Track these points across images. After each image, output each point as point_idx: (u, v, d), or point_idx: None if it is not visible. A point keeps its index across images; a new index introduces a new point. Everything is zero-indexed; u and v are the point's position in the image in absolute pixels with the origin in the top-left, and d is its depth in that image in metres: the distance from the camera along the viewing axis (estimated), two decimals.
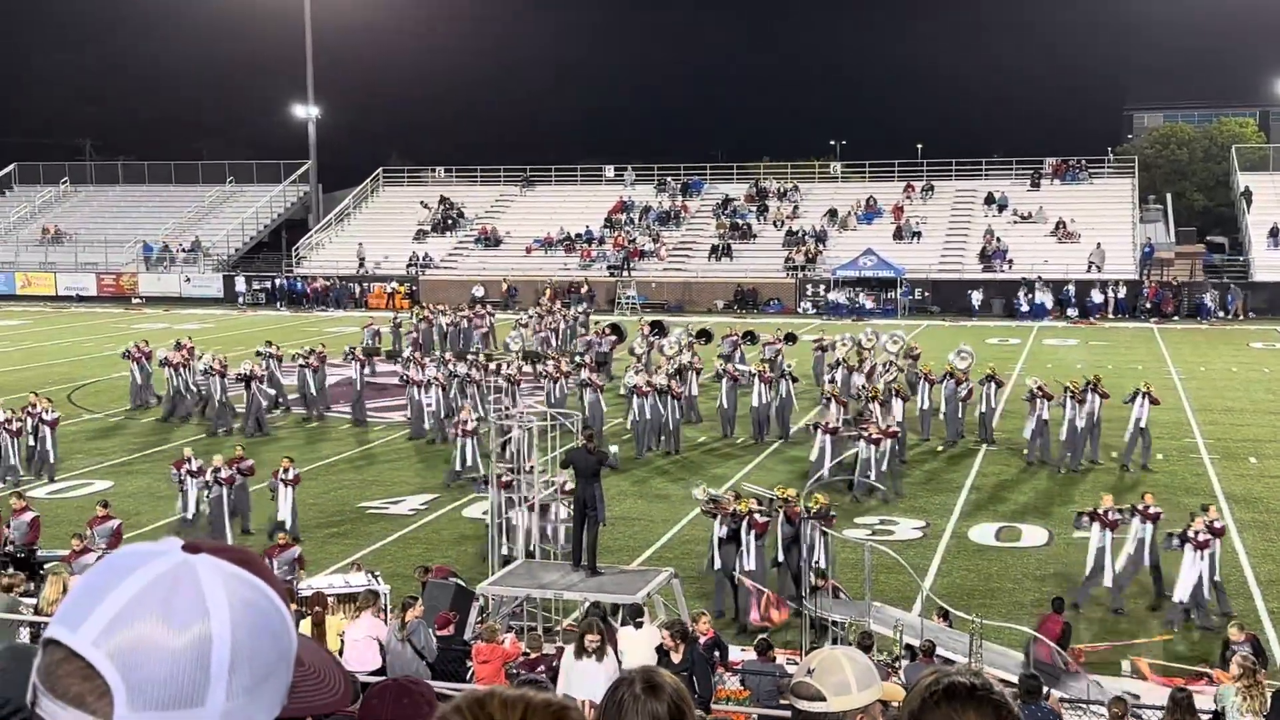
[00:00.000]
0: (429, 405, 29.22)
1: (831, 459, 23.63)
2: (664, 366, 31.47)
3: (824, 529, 17.32)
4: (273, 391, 31.83)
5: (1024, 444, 26.65)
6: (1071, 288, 55.67)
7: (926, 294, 57.66)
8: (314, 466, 26.16)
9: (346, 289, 63.68)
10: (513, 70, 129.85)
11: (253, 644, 1.32)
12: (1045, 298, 55.39)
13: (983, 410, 28.11)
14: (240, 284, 65.60)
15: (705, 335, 39.07)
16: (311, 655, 1.49)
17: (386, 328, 43.20)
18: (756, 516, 17.37)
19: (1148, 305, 54.84)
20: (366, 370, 35.11)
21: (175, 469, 21.28)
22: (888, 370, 30.81)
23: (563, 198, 70.25)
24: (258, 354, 33.02)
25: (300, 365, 32.10)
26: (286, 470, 21.04)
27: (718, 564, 17.63)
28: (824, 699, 2.89)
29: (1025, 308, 55.04)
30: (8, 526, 19.20)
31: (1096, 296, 55.11)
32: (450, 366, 30.82)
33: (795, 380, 29.30)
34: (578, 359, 34.42)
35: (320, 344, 34.48)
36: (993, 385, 28.24)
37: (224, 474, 20.69)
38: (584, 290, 58.46)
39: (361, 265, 65.74)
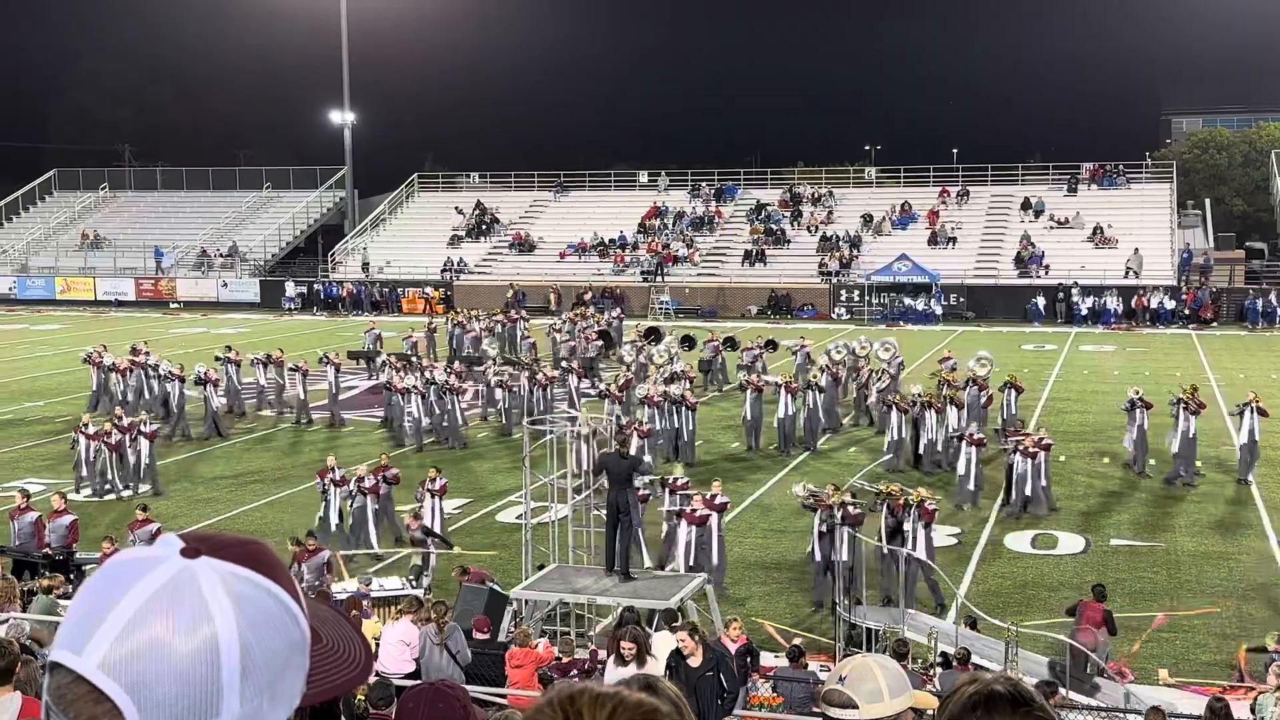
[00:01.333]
0: (410, 414, 29.01)
1: (977, 471, 23.36)
2: (654, 374, 31.35)
3: (926, 523, 17.71)
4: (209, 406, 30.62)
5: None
6: (1116, 295, 55.20)
7: (961, 300, 57.36)
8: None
9: (394, 294, 63.89)
10: (547, 76, 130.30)
11: (262, 645, 1.29)
12: (1114, 303, 54.60)
13: (1004, 417, 28.05)
14: (290, 288, 66.04)
15: (688, 341, 39.09)
16: (329, 628, 1.45)
17: (420, 332, 43.36)
18: (850, 509, 17.51)
19: (1185, 311, 54.35)
20: (370, 377, 35.19)
21: (320, 478, 21.01)
22: (880, 378, 30.78)
23: (597, 203, 70.38)
24: (216, 359, 33.23)
25: (290, 370, 32.12)
26: (433, 480, 20.53)
27: (818, 556, 18.05)
28: (856, 706, 2.89)
29: (1084, 311, 54.62)
30: (45, 537, 19.31)
31: (1168, 302, 54.21)
32: (429, 374, 30.33)
33: (821, 391, 29.02)
34: (563, 365, 34.37)
35: (278, 348, 34.80)
36: (1012, 391, 28.33)
37: (368, 483, 20.47)
38: (586, 295, 58.42)
39: (365, 270, 66.08)
